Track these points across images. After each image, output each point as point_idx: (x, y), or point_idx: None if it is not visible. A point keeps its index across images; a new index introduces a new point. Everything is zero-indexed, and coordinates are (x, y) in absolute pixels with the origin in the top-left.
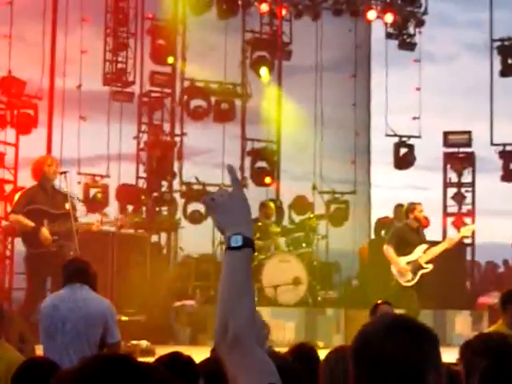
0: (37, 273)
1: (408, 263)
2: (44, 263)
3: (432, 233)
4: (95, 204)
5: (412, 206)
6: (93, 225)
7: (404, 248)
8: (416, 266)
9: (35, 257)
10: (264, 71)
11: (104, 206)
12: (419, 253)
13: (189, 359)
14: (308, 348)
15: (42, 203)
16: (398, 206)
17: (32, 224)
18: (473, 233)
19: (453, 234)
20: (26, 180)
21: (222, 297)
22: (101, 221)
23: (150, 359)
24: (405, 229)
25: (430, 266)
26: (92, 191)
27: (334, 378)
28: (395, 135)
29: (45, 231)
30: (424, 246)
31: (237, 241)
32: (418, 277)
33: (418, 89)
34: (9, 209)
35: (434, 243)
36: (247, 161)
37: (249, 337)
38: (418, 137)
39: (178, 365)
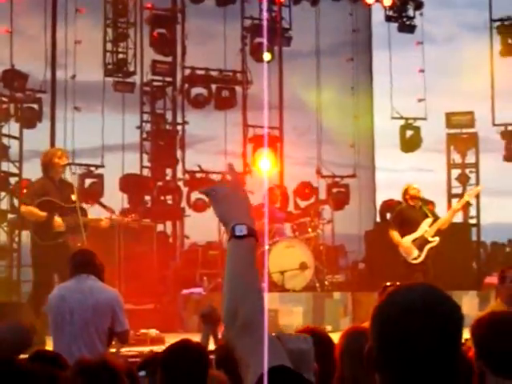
0: (44, 264)
1: (414, 240)
2: (51, 255)
3: (437, 214)
4: (91, 195)
5: (405, 188)
6: (101, 221)
7: (409, 227)
8: (422, 242)
9: (42, 248)
10: (267, 56)
11: (100, 196)
12: (425, 228)
13: (199, 346)
14: (319, 330)
15: (52, 195)
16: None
17: (44, 214)
18: (477, 196)
19: (457, 203)
20: (31, 173)
21: (229, 285)
22: (110, 218)
23: (161, 347)
24: (404, 208)
25: (437, 239)
26: (87, 181)
27: (351, 356)
28: (401, 118)
29: (58, 219)
30: (429, 221)
31: (241, 230)
32: (424, 252)
33: (422, 70)
34: (14, 201)
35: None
36: (249, 147)
37: (259, 322)
38: (424, 119)
39: (189, 352)
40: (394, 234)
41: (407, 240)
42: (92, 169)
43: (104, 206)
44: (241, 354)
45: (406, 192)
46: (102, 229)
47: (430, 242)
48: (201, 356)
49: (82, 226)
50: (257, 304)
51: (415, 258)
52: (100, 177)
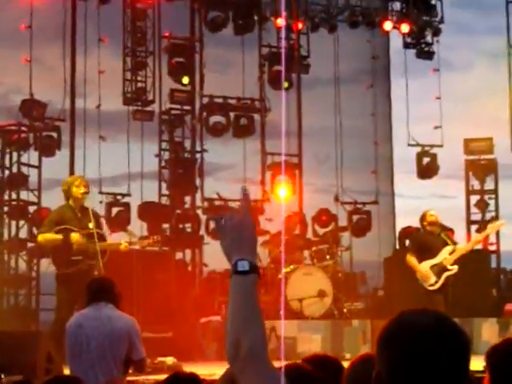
0: (67, 292)
1: (432, 267)
2: (74, 282)
3: (456, 241)
4: (118, 223)
5: (423, 215)
6: (120, 245)
7: (428, 253)
8: (440, 269)
9: (65, 276)
10: (285, 84)
11: (126, 225)
12: (444, 255)
13: (192, 376)
14: (329, 357)
15: (70, 224)
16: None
17: (60, 236)
18: (497, 232)
19: (480, 233)
20: (50, 201)
21: (232, 319)
22: (129, 241)
23: None
24: (422, 234)
25: (455, 268)
26: (114, 210)
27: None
28: (417, 145)
29: (74, 235)
30: (449, 248)
31: (243, 266)
32: (442, 279)
33: (438, 97)
34: (33, 230)
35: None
36: (268, 175)
37: (262, 354)
38: (440, 146)
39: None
40: (412, 260)
41: (425, 266)
42: (118, 197)
43: (125, 230)
44: None
45: (423, 218)
46: (122, 253)
47: (448, 269)
48: None
49: (98, 251)
50: (259, 337)
51: (432, 285)
52: (126, 205)
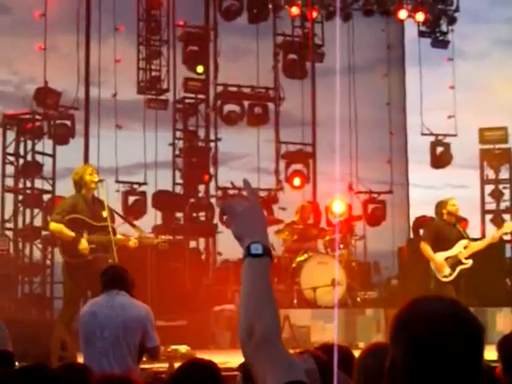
0: (73, 281)
1: (447, 259)
2: (81, 272)
3: (471, 230)
4: (135, 212)
5: (444, 202)
6: (130, 241)
7: (442, 244)
8: (455, 262)
9: (72, 266)
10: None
11: (143, 214)
12: (459, 248)
13: (210, 364)
14: (341, 346)
15: (82, 213)
16: (438, 203)
17: (72, 234)
18: None
19: (495, 231)
20: (64, 190)
21: (245, 303)
22: (139, 237)
23: None
24: (440, 224)
25: (470, 262)
26: (131, 199)
27: (368, 372)
28: (431, 134)
29: (84, 242)
30: (464, 242)
31: (257, 249)
32: (456, 272)
33: (452, 87)
34: (48, 219)
35: (473, 240)
36: (282, 164)
37: (276, 338)
38: (454, 135)
39: (200, 371)
40: (427, 248)
41: (440, 256)
42: (135, 186)
43: (133, 226)
44: (258, 371)
45: (443, 206)
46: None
47: (463, 263)
48: (212, 374)
49: (113, 245)
50: (273, 321)
51: (446, 276)
52: (143, 194)
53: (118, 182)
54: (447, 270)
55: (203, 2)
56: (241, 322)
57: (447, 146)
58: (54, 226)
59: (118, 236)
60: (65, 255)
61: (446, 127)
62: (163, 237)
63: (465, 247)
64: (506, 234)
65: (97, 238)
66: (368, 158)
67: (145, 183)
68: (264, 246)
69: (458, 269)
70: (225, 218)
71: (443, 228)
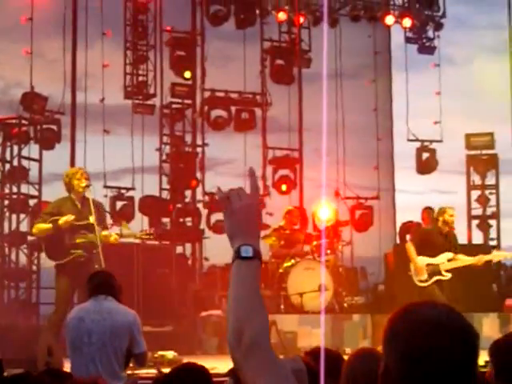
0: (63, 283)
1: (428, 265)
2: (71, 274)
3: (457, 236)
4: (123, 217)
5: (443, 210)
6: (111, 236)
7: (428, 250)
8: (435, 271)
9: (62, 267)
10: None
11: (131, 219)
12: (443, 259)
13: (203, 369)
14: (330, 350)
15: (68, 214)
16: (426, 209)
17: (49, 225)
18: (498, 228)
19: (484, 255)
20: (51, 195)
21: (234, 306)
22: (120, 233)
23: None
24: (432, 232)
25: (449, 276)
26: (118, 204)
27: (356, 377)
28: (417, 140)
29: (63, 218)
30: (450, 255)
31: (247, 251)
32: (431, 281)
33: (438, 93)
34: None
35: (460, 246)
36: (269, 169)
37: (265, 343)
38: (440, 141)
39: (193, 375)
40: (411, 249)
41: (422, 260)
42: (123, 191)
43: (120, 224)
44: (247, 377)
45: (441, 213)
46: (123, 247)
47: (442, 275)
48: (205, 378)
49: (99, 244)
50: (262, 325)
51: (421, 281)
52: (131, 199)
53: (106, 187)
54: (424, 276)
55: (190, 7)
56: (229, 327)
57: (433, 151)
58: (35, 228)
59: (103, 233)
60: (52, 258)
61: (431, 133)
62: (146, 230)
63: (449, 260)
64: (492, 261)
65: (80, 238)
66: (355, 164)
67: (133, 188)
68: (254, 249)
69: (435, 278)
70: (221, 208)
71: (433, 235)
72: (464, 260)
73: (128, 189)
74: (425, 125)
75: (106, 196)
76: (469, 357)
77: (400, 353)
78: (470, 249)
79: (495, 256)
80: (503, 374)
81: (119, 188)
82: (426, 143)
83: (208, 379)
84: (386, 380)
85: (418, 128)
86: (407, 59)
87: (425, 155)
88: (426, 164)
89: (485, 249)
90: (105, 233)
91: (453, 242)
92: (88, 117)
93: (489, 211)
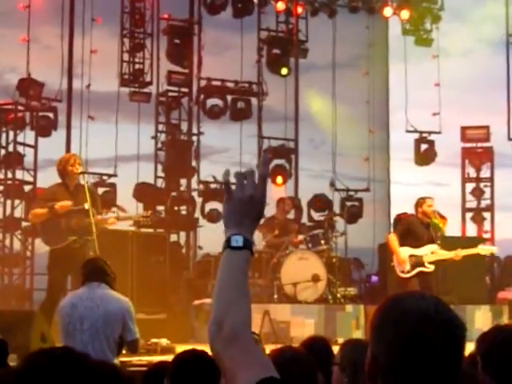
0: (57, 269)
1: (411, 256)
2: (66, 259)
3: (451, 228)
4: (104, 203)
5: (421, 200)
6: (108, 219)
7: (412, 240)
8: (418, 262)
9: (57, 252)
10: (285, 71)
11: (111, 205)
12: (427, 251)
13: (209, 356)
14: (321, 340)
15: (63, 200)
16: (417, 201)
17: (45, 210)
18: (491, 254)
19: (462, 249)
20: (46, 181)
21: (219, 294)
22: (117, 216)
23: (171, 357)
24: (414, 221)
25: (432, 268)
26: (100, 190)
27: (347, 366)
28: (415, 131)
29: (60, 203)
30: (434, 247)
31: (237, 241)
32: (414, 272)
33: (437, 84)
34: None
35: (452, 238)
36: None
37: (246, 333)
38: (438, 132)
39: (199, 362)
40: (393, 240)
41: (405, 252)
42: (105, 178)
43: (117, 206)
44: (227, 366)
45: (420, 205)
46: (117, 234)
47: (424, 266)
48: (211, 366)
49: (93, 230)
50: (244, 316)
51: (403, 272)
52: (113, 186)
53: (86, 172)
54: (407, 267)
55: None
56: (211, 315)
57: (431, 143)
58: (31, 214)
59: (98, 217)
60: (48, 243)
61: (430, 124)
62: (144, 212)
63: (432, 252)
64: (477, 254)
65: (76, 222)
66: (348, 155)
67: (114, 175)
68: (245, 239)
69: (418, 269)
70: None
71: (416, 225)
72: (447, 255)
73: (110, 175)
74: (423, 116)
75: (87, 182)
76: (454, 348)
77: (387, 342)
78: (464, 241)
79: (480, 250)
80: (490, 366)
81: (101, 174)
82: (424, 134)
83: (214, 364)
84: (373, 369)
85: (416, 119)
86: (406, 51)
87: (423, 146)
88: (425, 155)
89: (478, 241)
90: (101, 216)
91: (437, 229)
92: (84, 104)
93: (483, 204)
